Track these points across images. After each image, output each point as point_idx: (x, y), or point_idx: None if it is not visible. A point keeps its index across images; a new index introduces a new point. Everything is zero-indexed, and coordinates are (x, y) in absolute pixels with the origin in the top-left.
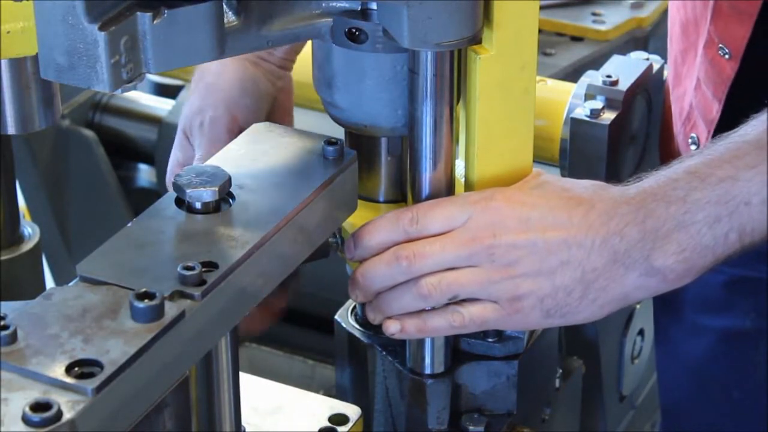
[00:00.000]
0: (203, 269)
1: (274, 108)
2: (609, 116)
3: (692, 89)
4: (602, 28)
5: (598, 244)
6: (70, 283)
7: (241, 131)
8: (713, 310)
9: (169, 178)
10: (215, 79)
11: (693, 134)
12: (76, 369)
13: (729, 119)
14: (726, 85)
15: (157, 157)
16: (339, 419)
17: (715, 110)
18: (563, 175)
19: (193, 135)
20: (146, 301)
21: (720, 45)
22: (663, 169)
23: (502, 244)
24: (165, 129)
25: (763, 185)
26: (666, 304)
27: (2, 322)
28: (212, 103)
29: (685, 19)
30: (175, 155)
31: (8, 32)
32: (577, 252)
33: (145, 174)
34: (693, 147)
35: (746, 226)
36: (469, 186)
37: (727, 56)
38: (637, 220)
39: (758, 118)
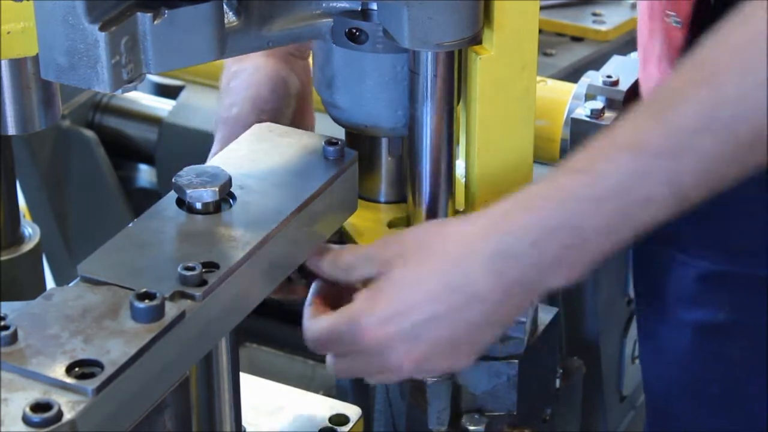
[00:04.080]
0: (204, 270)
1: (301, 105)
2: (609, 116)
3: (655, 65)
4: (602, 28)
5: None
6: (71, 284)
7: None
8: (689, 304)
9: None
10: (249, 76)
11: None
12: (77, 369)
13: None
14: (678, 55)
15: (157, 157)
16: (339, 419)
17: None
18: None
19: (217, 129)
20: (147, 301)
21: (671, 12)
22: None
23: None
24: (165, 129)
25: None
26: (646, 298)
27: (3, 323)
28: (242, 100)
29: None
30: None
31: (8, 32)
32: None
33: (145, 174)
34: None
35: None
36: (469, 186)
37: (678, 24)
38: (522, 301)
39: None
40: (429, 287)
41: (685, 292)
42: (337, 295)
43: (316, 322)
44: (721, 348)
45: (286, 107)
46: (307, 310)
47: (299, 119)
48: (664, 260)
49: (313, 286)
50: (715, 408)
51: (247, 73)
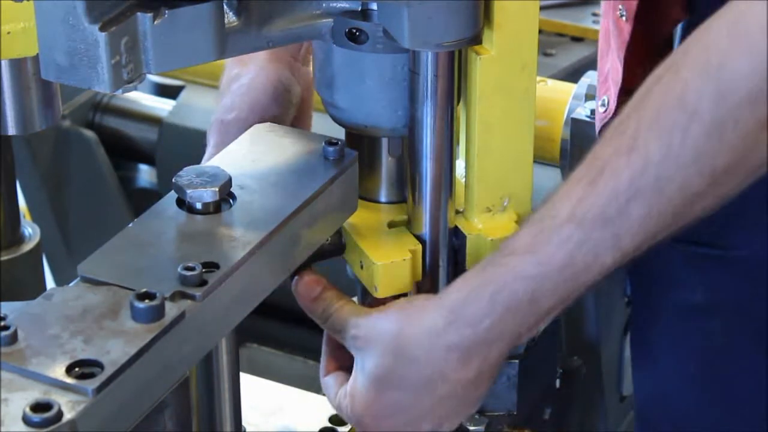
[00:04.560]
0: (204, 270)
1: (300, 112)
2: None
3: (608, 54)
4: None
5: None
6: (71, 284)
7: None
8: (675, 288)
9: None
10: (251, 80)
11: (605, 96)
12: (77, 369)
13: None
14: (624, 47)
15: (157, 157)
16: (339, 420)
17: (620, 74)
18: (564, 175)
19: (211, 132)
20: (147, 301)
21: (619, 6)
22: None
23: None
24: (165, 129)
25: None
26: (637, 285)
27: (3, 323)
28: (241, 104)
29: None
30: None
31: (9, 33)
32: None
33: (145, 174)
34: (602, 109)
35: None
36: (469, 186)
37: (624, 17)
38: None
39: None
40: (408, 389)
41: (673, 276)
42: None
43: (326, 382)
44: (700, 327)
45: (286, 115)
46: (323, 359)
47: (296, 125)
48: (656, 250)
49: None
50: (697, 391)
51: (248, 76)
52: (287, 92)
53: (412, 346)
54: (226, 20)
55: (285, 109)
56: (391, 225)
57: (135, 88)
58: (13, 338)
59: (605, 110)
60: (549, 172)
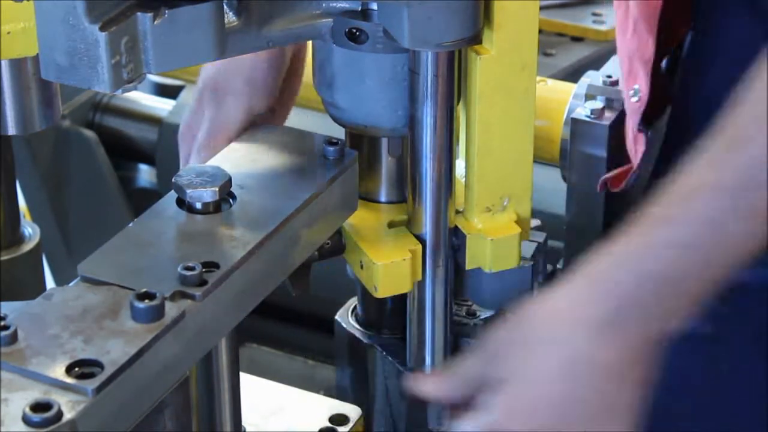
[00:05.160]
0: (204, 269)
1: (287, 74)
2: (609, 116)
3: (630, 34)
4: (602, 28)
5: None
6: (71, 284)
7: (256, 115)
8: None
9: (181, 143)
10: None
11: (636, 86)
12: (77, 369)
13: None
14: (655, 17)
15: (157, 157)
16: (339, 419)
17: (650, 48)
18: (563, 176)
19: (205, 102)
20: (147, 301)
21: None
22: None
23: None
24: (165, 129)
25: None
26: None
27: (2, 323)
28: (236, 73)
29: None
30: (186, 121)
31: (9, 33)
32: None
33: (145, 174)
34: (634, 99)
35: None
36: (469, 186)
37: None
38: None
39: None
40: (552, 386)
41: None
42: None
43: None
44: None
45: (278, 84)
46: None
47: (288, 81)
48: None
49: None
50: (697, 391)
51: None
52: (282, 54)
53: (548, 328)
54: (226, 20)
55: (279, 75)
56: (391, 225)
57: (135, 88)
58: (13, 338)
59: (638, 100)
60: (549, 172)
